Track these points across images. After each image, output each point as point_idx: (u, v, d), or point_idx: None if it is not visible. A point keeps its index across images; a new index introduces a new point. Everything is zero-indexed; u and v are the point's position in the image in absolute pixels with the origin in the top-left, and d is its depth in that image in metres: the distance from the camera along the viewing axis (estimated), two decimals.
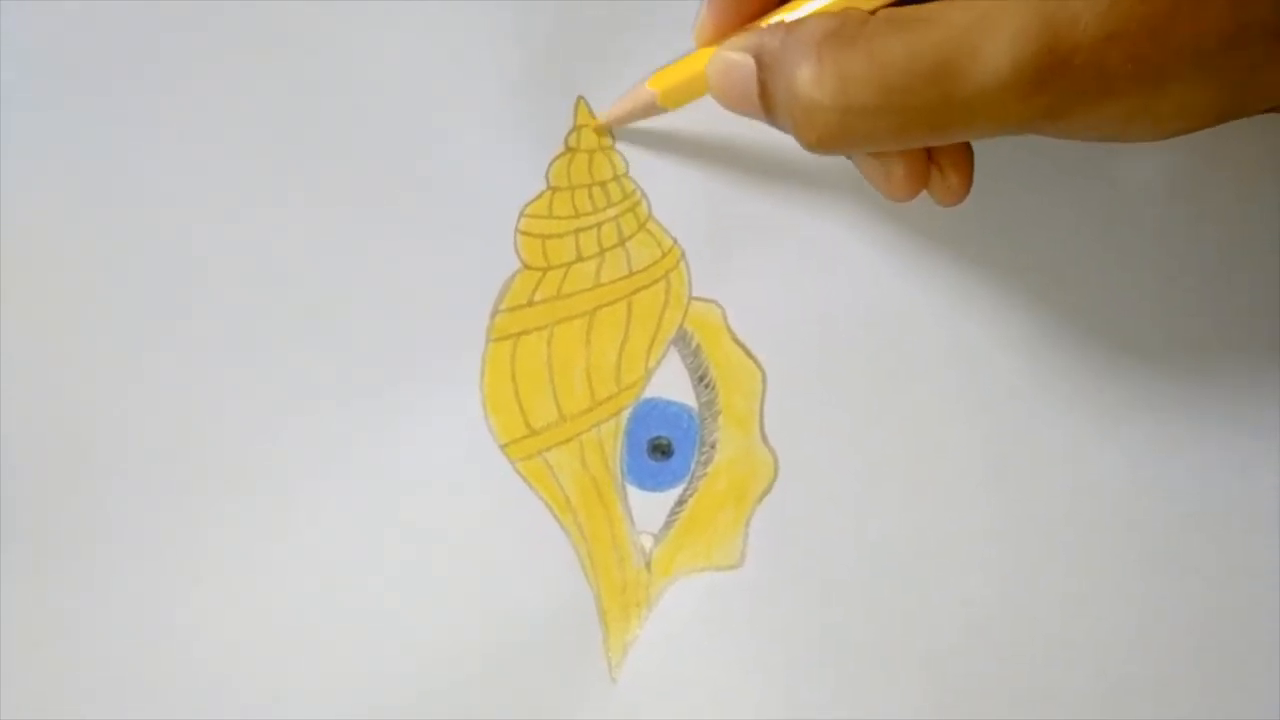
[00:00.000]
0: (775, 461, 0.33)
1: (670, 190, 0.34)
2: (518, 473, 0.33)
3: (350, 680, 0.32)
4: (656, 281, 0.34)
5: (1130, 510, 0.33)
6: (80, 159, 0.34)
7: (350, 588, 0.32)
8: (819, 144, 0.27)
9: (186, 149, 0.34)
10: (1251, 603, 0.33)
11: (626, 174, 0.34)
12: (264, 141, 0.34)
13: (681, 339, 0.34)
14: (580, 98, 0.35)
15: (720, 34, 0.29)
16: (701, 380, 0.33)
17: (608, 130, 0.34)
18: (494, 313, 0.33)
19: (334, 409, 0.33)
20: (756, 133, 0.34)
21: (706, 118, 0.34)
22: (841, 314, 0.34)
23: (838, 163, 0.33)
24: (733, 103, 0.29)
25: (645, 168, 0.34)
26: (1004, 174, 0.34)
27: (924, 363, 0.34)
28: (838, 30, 0.26)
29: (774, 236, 0.34)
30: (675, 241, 0.34)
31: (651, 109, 0.32)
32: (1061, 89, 0.24)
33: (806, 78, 0.26)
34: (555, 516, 0.33)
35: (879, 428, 0.33)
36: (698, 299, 0.34)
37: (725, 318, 0.34)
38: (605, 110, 0.34)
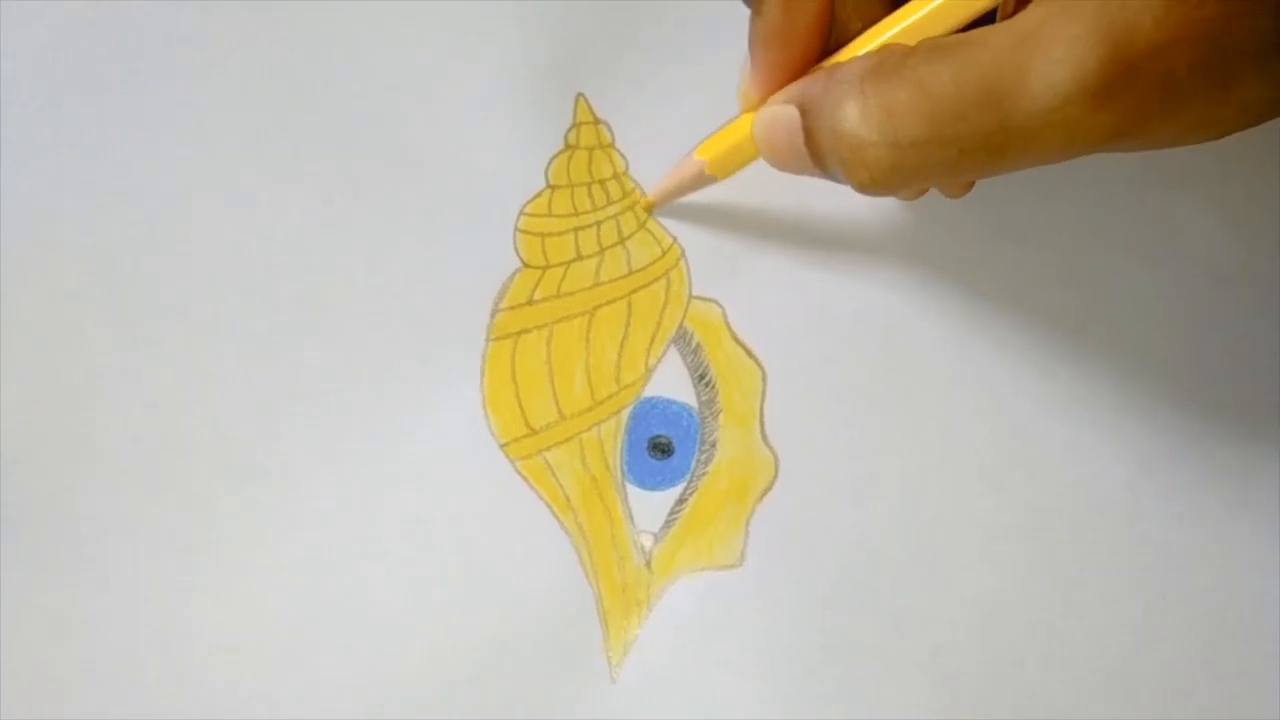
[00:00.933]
0: (776, 460, 0.33)
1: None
2: (518, 472, 0.33)
3: (350, 680, 0.32)
4: (656, 280, 0.34)
5: (1131, 509, 0.33)
6: (80, 158, 0.34)
7: (349, 587, 0.32)
8: (872, 183, 0.25)
9: (184, 147, 0.34)
10: (1253, 601, 0.33)
11: (626, 172, 0.34)
12: (263, 140, 0.34)
13: (681, 338, 0.34)
14: (579, 95, 0.34)
15: (765, 95, 0.28)
16: (702, 379, 0.33)
17: (651, 207, 0.34)
18: (494, 311, 0.33)
19: (334, 408, 0.33)
20: None
21: (705, 114, 0.34)
22: (842, 312, 0.34)
23: None
24: (781, 157, 0.28)
25: (644, 166, 0.34)
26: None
27: (924, 362, 0.34)
28: (879, 65, 0.25)
29: (774, 235, 0.34)
30: (675, 240, 0.34)
31: (701, 179, 0.32)
32: (1131, 102, 0.23)
33: (852, 115, 0.25)
34: (555, 516, 0.32)
35: (879, 427, 0.33)
36: (698, 297, 0.34)
37: (725, 316, 0.34)
38: (653, 186, 0.34)
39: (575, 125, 0.34)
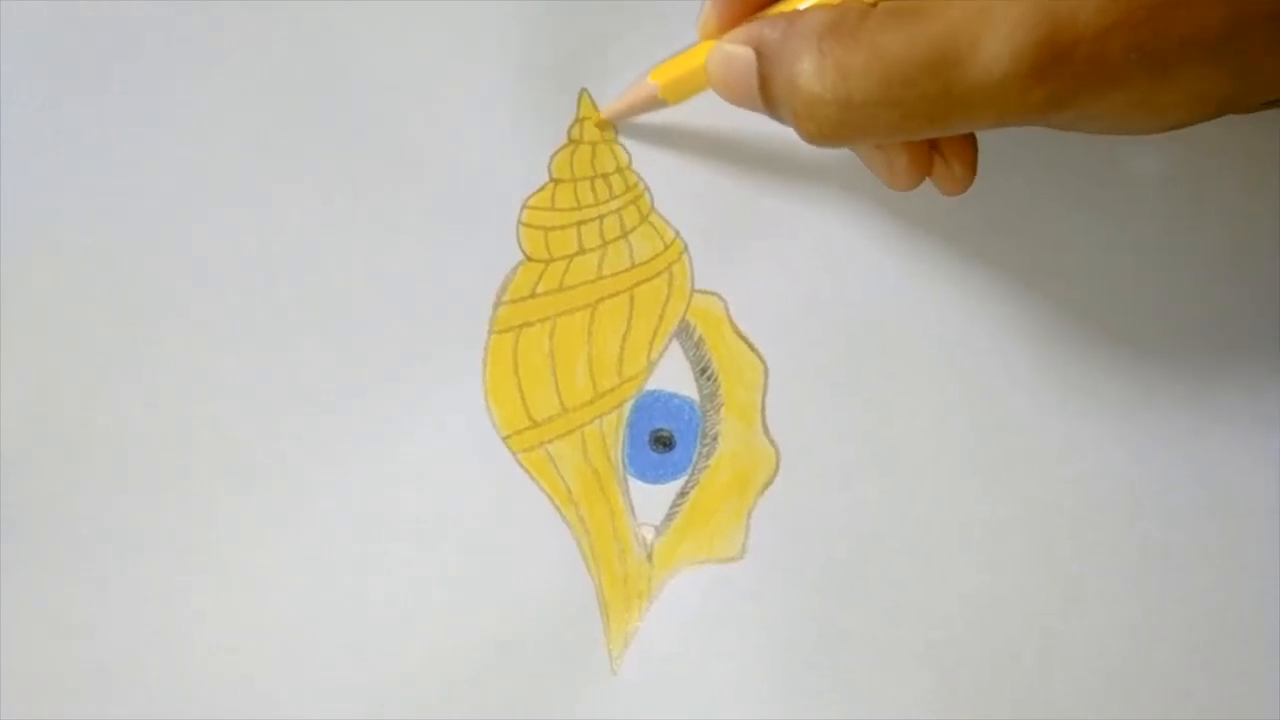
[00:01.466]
0: (777, 454, 0.33)
1: (673, 183, 0.34)
2: (520, 465, 0.33)
3: (354, 672, 0.31)
4: (659, 274, 0.34)
5: (1131, 504, 0.33)
6: (79, 157, 0.34)
7: (353, 579, 0.32)
8: (820, 136, 0.27)
9: (184, 146, 0.34)
10: (1251, 596, 0.33)
11: (629, 166, 0.34)
12: (266, 135, 0.34)
13: (684, 331, 0.34)
14: (583, 90, 0.35)
15: (724, 26, 0.29)
16: (703, 372, 0.33)
17: (610, 124, 0.34)
18: (496, 305, 0.33)
19: (337, 402, 0.33)
20: (759, 126, 0.34)
21: (709, 109, 0.34)
22: (843, 306, 0.34)
23: (839, 154, 0.33)
24: (734, 96, 0.29)
25: (648, 160, 0.34)
26: (1006, 168, 0.34)
27: (926, 355, 0.34)
28: (838, 23, 0.26)
29: (777, 229, 0.34)
30: (677, 234, 0.34)
31: (653, 102, 0.32)
32: (1063, 80, 0.25)
33: (807, 70, 0.26)
34: (557, 508, 0.32)
35: (880, 420, 0.33)
36: (700, 291, 0.34)
37: (727, 310, 0.34)
38: (607, 104, 0.34)
39: (578, 120, 0.34)
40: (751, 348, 0.34)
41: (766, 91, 0.27)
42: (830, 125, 0.26)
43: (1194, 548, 0.33)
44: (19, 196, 0.33)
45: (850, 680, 0.32)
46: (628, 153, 0.34)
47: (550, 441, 0.33)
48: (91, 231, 0.33)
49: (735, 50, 0.28)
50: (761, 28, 0.28)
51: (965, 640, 0.32)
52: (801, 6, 0.28)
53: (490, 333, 0.33)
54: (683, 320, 0.34)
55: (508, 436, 0.33)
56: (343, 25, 0.35)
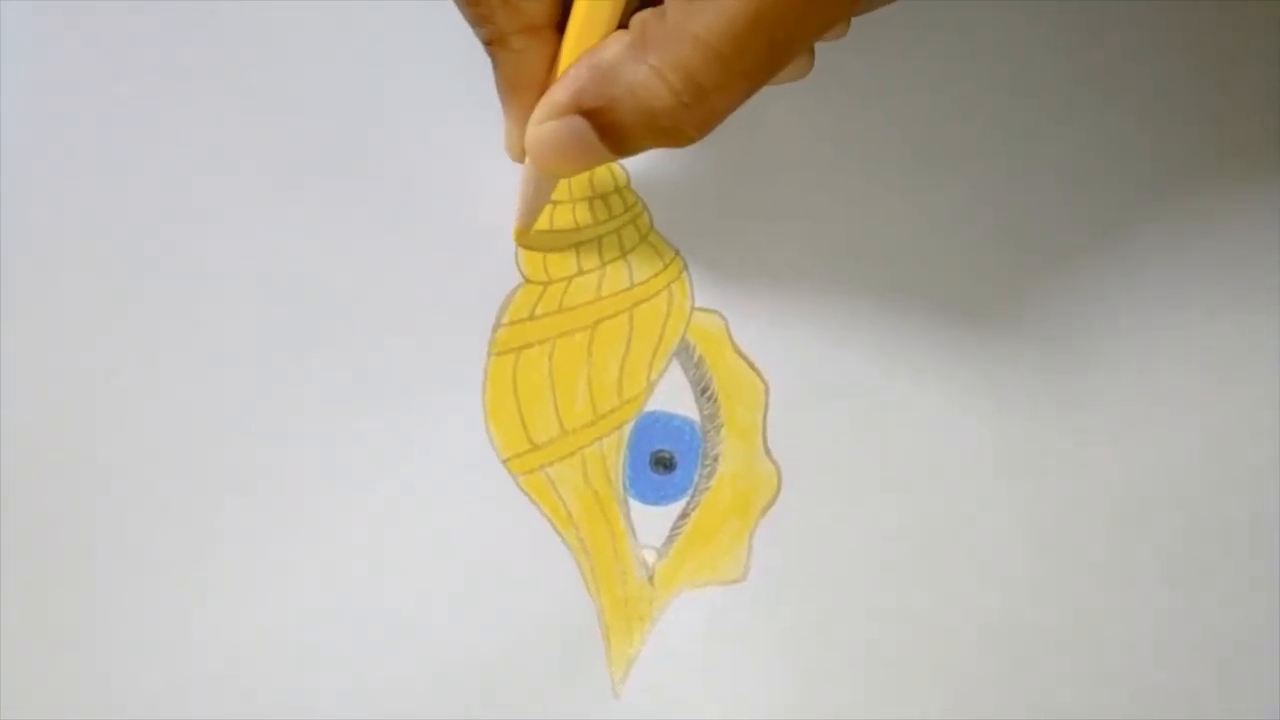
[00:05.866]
0: (779, 474, 0.33)
1: (672, 201, 0.34)
2: (519, 488, 0.32)
3: (350, 696, 0.31)
4: (658, 293, 0.34)
5: (1139, 519, 0.33)
6: (83, 164, 0.34)
7: (351, 602, 0.32)
8: (698, 138, 0.26)
9: (188, 158, 0.34)
10: (1266, 608, 0.32)
11: (628, 185, 0.34)
12: (264, 155, 0.34)
13: (684, 351, 0.33)
14: None
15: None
16: (704, 392, 0.33)
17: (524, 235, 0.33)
18: (495, 327, 0.33)
19: (336, 423, 0.33)
20: (759, 144, 0.34)
21: None
22: (845, 325, 0.33)
23: (840, 175, 0.33)
24: (576, 163, 0.28)
25: (647, 179, 0.34)
26: (1011, 176, 0.34)
27: (928, 373, 0.33)
28: (641, 37, 0.26)
29: (777, 246, 0.34)
30: (677, 253, 0.34)
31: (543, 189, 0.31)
32: None
33: (650, 86, 0.25)
34: (557, 531, 0.32)
35: (883, 439, 0.33)
36: (700, 310, 0.34)
37: (728, 329, 0.33)
38: (517, 217, 0.33)
39: None
40: (752, 367, 0.33)
41: (614, 136, 0.27)
42: (701, 124, 0.26)
43: (1209, 559, 0.32)
44: (22, 201, 0.34)
45: (856, 702, 0.31)
46: (626, 171, 0.34)
47: (550, 464, 0.33)
48: (94, 241, 0.33)
49: (557, 127, 0.27)
50: (564, 88, 0.27)
51: (974, 659, 0.32)
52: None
53: (489, 355, 0.33)
54: (683, 339, 0.33)
55: (507, 460, 0.33)
56: (344, 47, 0.35)
